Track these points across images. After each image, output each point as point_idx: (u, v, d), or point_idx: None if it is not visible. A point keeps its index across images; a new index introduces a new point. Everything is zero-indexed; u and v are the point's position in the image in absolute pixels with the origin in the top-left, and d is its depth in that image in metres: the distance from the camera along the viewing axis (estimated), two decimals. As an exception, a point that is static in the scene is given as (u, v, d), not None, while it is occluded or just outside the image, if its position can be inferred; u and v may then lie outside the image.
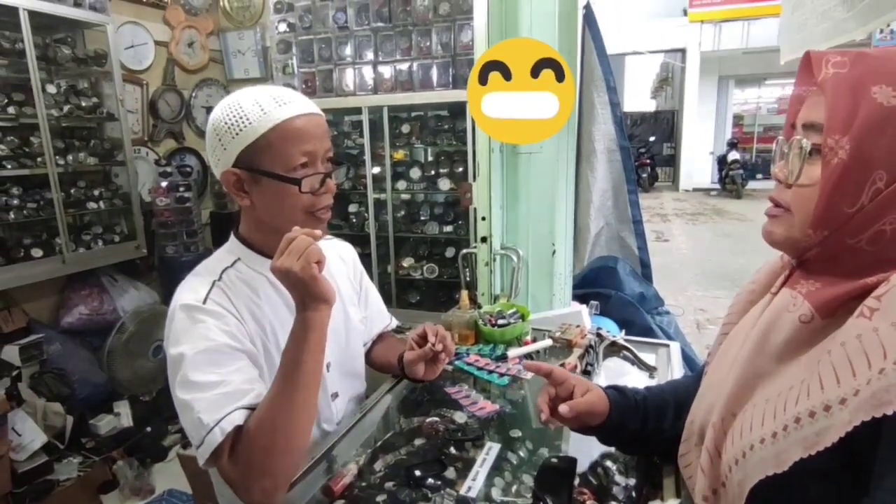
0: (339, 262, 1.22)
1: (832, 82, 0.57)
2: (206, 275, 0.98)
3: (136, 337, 2.79)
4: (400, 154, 2.80)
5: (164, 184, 2.93)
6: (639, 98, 18.06)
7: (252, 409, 0.84)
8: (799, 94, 0.65)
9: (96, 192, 2.69)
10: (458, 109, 2.53)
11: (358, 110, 2.63)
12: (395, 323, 1.39)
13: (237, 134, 0.91)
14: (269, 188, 0.93)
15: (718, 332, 0.82)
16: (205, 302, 0.92)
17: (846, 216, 0.56)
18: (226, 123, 0.91)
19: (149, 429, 2.73)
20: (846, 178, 0.55)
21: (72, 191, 2.60)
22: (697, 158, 13.33)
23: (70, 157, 2.55)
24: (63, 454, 2.44)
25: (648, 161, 13.26)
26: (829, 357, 0.54)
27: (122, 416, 2.74)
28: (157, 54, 3.12)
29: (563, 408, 0.86)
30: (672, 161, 14.30)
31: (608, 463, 0.98)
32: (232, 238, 1.04)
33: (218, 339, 0.88)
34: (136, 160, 2.96)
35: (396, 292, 2.85)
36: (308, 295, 0.84)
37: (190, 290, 0.95)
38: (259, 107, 0.91)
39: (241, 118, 0.91)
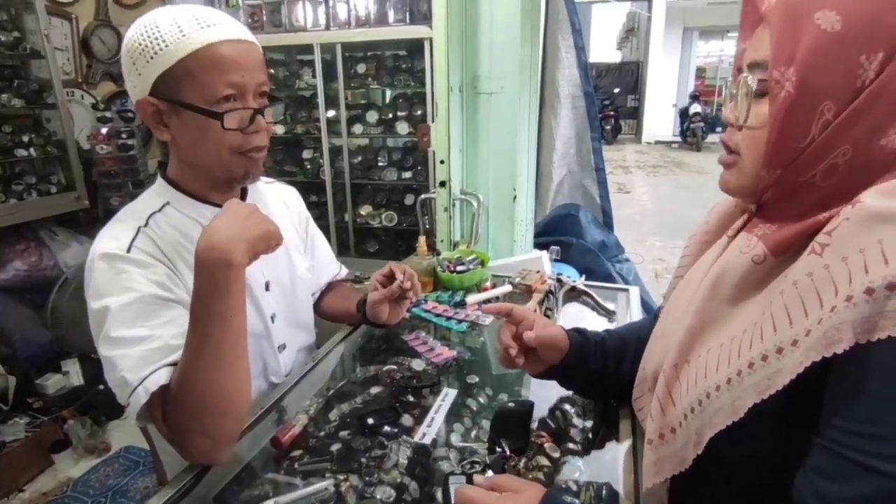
0: (282, 207, 1.13)
1: (775, 11, 0.54)
2: (131, 220, 0.88)
3: (82, 293, 2.64)
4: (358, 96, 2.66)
5: (103, 130, 2.72)
6: (604, 49, 17.88)
7: None
8: (745, 33, 0.62)
9: (26, 138, 2.47)
10: (416, 48, 2.40)
11: (309, 48, 2.47)
12: (344, 271, 1.33)
13: (152, 58, 0.80)
14: (190, 122, 0.83)
15: (674, 275, 0.80)
16: (128, 250, 0.83)
17: (797, 152, 0.54)
18: (139, 45, 0.80)
19: (101, 387, 2.64)
20: (794, 111, 0.52)
21: (-4, 136, 2.38)
22: (660, 111, 13.40)
23: (-9, 99, 2.32)
24: (8, 415, 2.33)
25: (612, 113, 13.24)
26: (782, 298, 0.52)
27: (72, 374, 2.63)
28: (87, -15, 2.84)
29: (528, 335, 0.84)
30: (635, 113, 14.34)
31: (566, 406, 0.98)
32: (159, 179, 0.94)
33: (144, 290, 0.80)
34: (71, 103, 2.73)
35: (354, 241, 2.78)
36: (261, 250, 0.79)
37: (111, 237, 0.85)
38: (178, 27, 0.79)
39: (156, 39, 0.79)
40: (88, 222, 2.90)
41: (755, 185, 0.59)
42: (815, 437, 0.51)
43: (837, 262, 0.48)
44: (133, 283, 0.80)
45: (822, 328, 0.47)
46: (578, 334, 0.91)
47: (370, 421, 0.94)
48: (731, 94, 0.61)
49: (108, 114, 2.77)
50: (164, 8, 0.83)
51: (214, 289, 0.74)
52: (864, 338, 0.45)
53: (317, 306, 1.23)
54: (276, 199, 1.12)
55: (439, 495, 0.79)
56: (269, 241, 0.80)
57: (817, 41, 0.51)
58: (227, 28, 0.83)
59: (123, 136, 2.75)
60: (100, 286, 0.81)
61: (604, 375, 0.89)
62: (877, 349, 0.45)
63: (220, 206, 0.93)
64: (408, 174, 2.62)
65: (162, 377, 0.76)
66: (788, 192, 0.57)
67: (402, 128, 2.55)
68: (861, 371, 0.47)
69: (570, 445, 0.89)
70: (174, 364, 0.77)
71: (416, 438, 0.91)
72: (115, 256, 0.82)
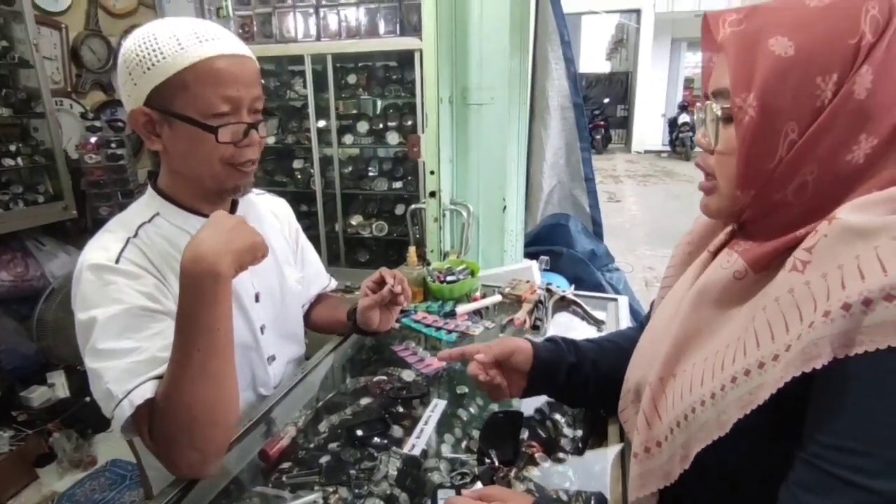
0: (273, 218, 1.14)
1: (731, 41, 0.56)
2: (120, 231, 0.88)
3: (69, 304, 2.61)
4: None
5: (92, 139, 2.70)
6: (594, 60, 18.07)
7: None
8: (707, 61, 0.65)
9: (13, 148, 2.45)
10: (406, 59, 2.42)
11: (300, 59, 2.48)
12: (334, 283, 1.33)
13: (149, 69, 0.80)
14: (183, 133, 0.84)
15: (660, 286, 0.82)
16: (117, 261, 0.83)
17: (767, 172, 0.55)
18: (137, 56, 0.81)
19: (88, 399, 2.61)
20: (759, 134, 0.54)
21: (-18, 145, 2.36)
22: (650, 121, 13.53)
23: (-22, 108, 2.30)
24: (-8, 428, 2.30)
25: (602, 123, 13.34)
26: (765, 313, 0.53)
27: (58, 386, 2.60)
28: (77, -5, 2.83)
29: (479, 356, 0.87)
30: (625, 123, 14.46)
31: (557, 416, 0.98)
32: (149, 190, 0.94)
33: (132, 302, 0.80)
34: (59, 113, 2.71)
35: (345, 251, 2.77)
36: (247, 262, 0.79)
37: (100, 247, 0.85)
38: (177, 40, 0.80)
39: (154, 51, 0.80)
40: (76, 232, 2.88)
41: (733, 207, 0.61)
42: (797, 451, 0.51)
43: (817, 278, 0.49)
44: (121, 294, 0.80)
45: (801, 343, 0.48)
46: (547, 340, 0.93)
47: (359, 432, 0.94)
48: (701, 120, 0.63)
49: (97, 123, 2.76)
50: (164, 20, 0.84)
51: (201, 301, 0.74)
52: (843, 353, 0.46)
53: (306, 318, 1.23)
54: (267, 211, 1.13)
55: (429, 507, 0.79)
56: (255, 252, 0.80)
57: (773, 66, 0.53)
58: (224, 42, 0.83)
59: (113, 145, 2.74)
60: (87, 297, 0.80)
61: (582, 374, 0.89)
62: (855, 364, 0.46)
63: (206, 216, 0.93)
64: (398, 184, 2.62)
65: (147, 390, 0.76)
66: (765, 212, 0.59)
67: (393, 138, 2.56)
68: (840, 386, 0.47)
69: (561, 455, 0.89)
70: (161, 377, 0.77)
71: (406, 450, 0.91)
72: (104, 267, 0.82)
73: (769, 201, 0.57)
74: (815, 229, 0.52)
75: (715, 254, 0.67)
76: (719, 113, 0.59)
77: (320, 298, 1.29)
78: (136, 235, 0.88)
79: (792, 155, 0.54)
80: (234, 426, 0.84)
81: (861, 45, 0.51)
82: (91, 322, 0.78)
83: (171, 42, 0.80)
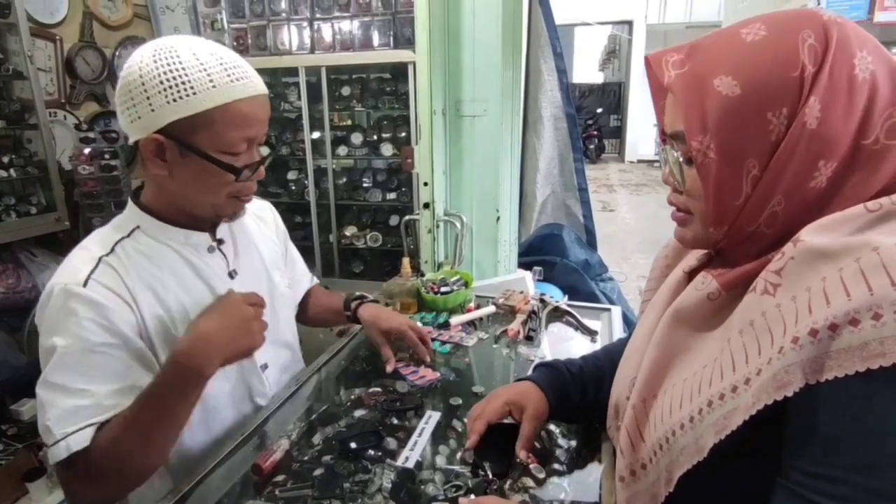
0: (259, 222, 1.11)
1: (677, 85, 0.57)
2: (95, 248, 0.86)
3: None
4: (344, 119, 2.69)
5: (86, 150, 2.70)
6: (587, 70, 18.20)
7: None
8: (658, 100, 0.65)
9: (6, 159, 2.45)
10: (400, 71, 2.43)
11: (295, 71, 2.50)
12: (315, 280, 1.35)
13: (175, 100, 0.78)
14: (196, 166, 0.83)
15: (642, 300, 0.82)
16: (85, 284, 0.80)
17: (737, 209, 0.56)
18: (161, 83, 0.78)
19: (79, 412, 2.57)
20: (721, 175, 0.55)
21: (-25, 157, 2.35)
22: (642, 130, 13.62)
23: (-28, 119, 2.30)
24: (-19, 443, 2.27)
25: (596, 133, 13.44)
26: (741, 337, 0.53)
27: (48, 399, 2.57)
28: (72, 7, 2.83)
29: (521, 454, 0.85)
30: (618, 133, 14.57)
31: (551, 426, 0.98)
32: (130, 205, 0.92)
33: (91, 339, 0.79)
34: (53, 124, 2.71)
35: (339, 262, 2.77)
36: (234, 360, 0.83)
37: (71, 268, 0.83)
38: (207, 76, 0.79)
39: (183, 83, 0.78)
40: (68, 243, 2.83)
41: (708, 239, 0.61)
42: (778, 477, 0.51)
43: (787, 301, 0.50)
44: (80, 329, 0.78)
45: (772, 369, 0.48)
46: (550, 372, 0.92)
47: (353, 445, 0.94)
48: (664, 159, 0.63)
49: (90, 134, 2.75)
50: (182, 42, 0.81)
51: (176, 389, 0.79)
52: (814, 378, 0.46)
53: (301, 316, 1.25)
54: (251, 215, 1.09)
55: (422, 520, 0.78)
56: (250, 352, 0.85)
57: (723, 107, 0.53)
58: (252, 83, 0.83)
59: (106, 156, 2.74)
60: (50, 322, 0.80)
61: (585, 404, 0.90)
62: (825, 390, 0.46)
63: (189, 228, 0.92)
64: (392, 195, 2.63)
65: (86, 438, 0.76)
66: (740, 241, 0.59)
67: (387, 149, 2.57)
68: (812, 412, 0.48)
69: (556, 466, 0.89)
70: (101, 423, 0.78)
71: (400, 462, 0.91)
72: (70, 293, 0.80)
73: (743, 233, 0.58)
74: (782, 251, 0.52)
75: (690, 274, 0.68)
76: (681, 158, 0.59)
77: (310, 294, 1.31)
78: (111, 253, 0.86)
79: (758, 190, 0.54)
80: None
81: (804, 76, 0.51)
82: (50, 350, 0.78)
83: (202, 77, 0.78)
